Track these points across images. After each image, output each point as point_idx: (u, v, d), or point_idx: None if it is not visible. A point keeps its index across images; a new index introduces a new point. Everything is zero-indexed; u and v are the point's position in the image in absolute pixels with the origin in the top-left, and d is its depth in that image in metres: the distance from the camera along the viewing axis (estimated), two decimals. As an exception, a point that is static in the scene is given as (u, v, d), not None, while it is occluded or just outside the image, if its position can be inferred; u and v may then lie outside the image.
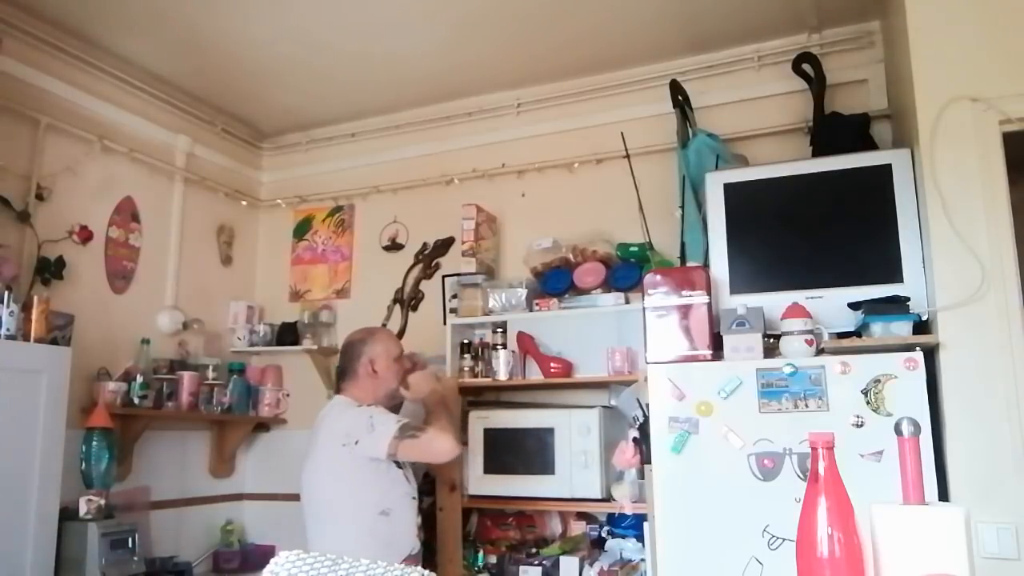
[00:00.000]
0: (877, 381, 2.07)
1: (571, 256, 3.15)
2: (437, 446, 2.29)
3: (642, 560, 2.67)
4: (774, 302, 2.30)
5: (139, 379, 3.06)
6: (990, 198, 2.09)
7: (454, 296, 3.34)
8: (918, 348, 2.08)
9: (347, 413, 2.34)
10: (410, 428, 2.27)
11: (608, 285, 3.04)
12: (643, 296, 2.43)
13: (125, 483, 3.09)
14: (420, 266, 3.69)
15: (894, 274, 2.27)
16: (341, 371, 2.53)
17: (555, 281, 3.12)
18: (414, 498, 2.36)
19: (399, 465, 2.29)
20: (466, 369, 3.09)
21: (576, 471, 2.74)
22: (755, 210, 2.50)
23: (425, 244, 3.69)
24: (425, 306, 3.63)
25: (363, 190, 3.85)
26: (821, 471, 0.90)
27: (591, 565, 2.71)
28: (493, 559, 2.86)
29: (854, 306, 2.23)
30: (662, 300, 2.38)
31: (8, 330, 2.44)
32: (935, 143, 2.15)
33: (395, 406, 2.52)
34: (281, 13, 2.91)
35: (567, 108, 3.49)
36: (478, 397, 3.24)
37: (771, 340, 2.30)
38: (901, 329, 2.12)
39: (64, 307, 2.82)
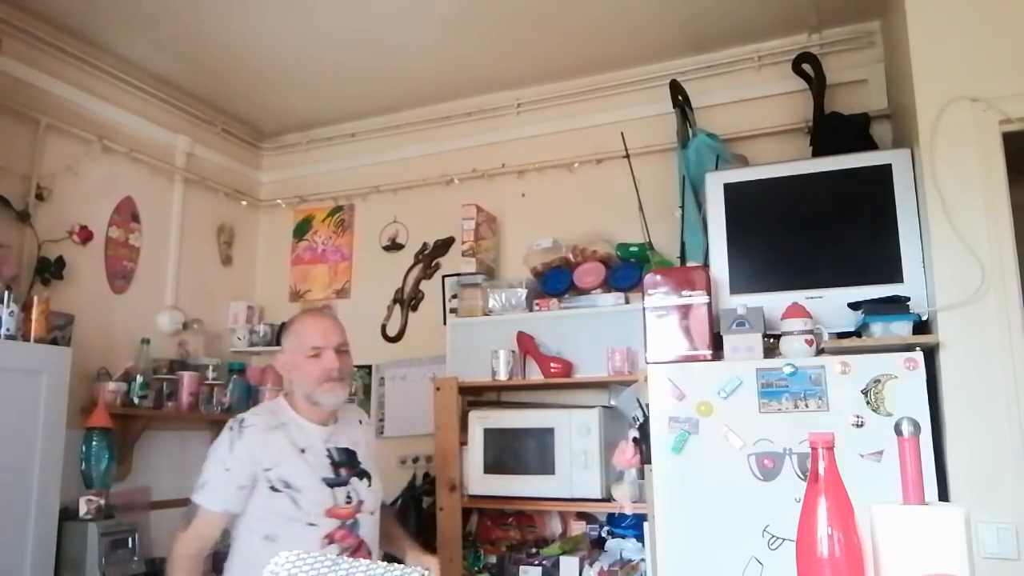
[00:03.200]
0: (877, 381, 2.07)
1: (571, 256, 3.15)
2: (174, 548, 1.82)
3: (642, 560, 2.66)
4: (774, 302, 2.30)
5: (139, 379, 3.06)
6: (990, 198, 2.09)
7: (454, 296, 3.34)
8: (918, 348, 2.08)
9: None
10: (191, 512, 1.82)
11: (608, 285, 3.04)
12: (643, 296, 2.43)
13: (125, 483, 3.09)
14: (420, 266, 3.69)
15: (894, 274, 2.27)
16: None
17: (555, 281, 3.12)
18: (312, 524, 1.78)
19: (275, 488, 1.78)
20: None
21: (576, 471, 2.74)
22: (755, 210, 2.50)
23: (425, 244, 3.69)
24: (425, 306, 3.64)
25: (363, 190, 3.85)
26: (821, 471, 0.90)
27: (591, 565, 2.71)
28: (493, 559, 2.86)
29: (854, 306, 2.23)
30: (662, 300, 2.38)
31: (8, 330, 2.44)
32: (935, 143, 2.15)
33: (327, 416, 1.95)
34: (282, 13, 2.90)
35: (567, 108, 3.50)
36: (478, 397, 3.24)
37: (771, 340, 2.30)
38: (901, 329, 2.12)
39: (64, 307, 2.83)
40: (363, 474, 1.92)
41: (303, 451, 1.84)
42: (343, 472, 1.87)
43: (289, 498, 1.79)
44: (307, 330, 1.96)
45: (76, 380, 2.71)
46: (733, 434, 2.17)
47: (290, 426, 1.88)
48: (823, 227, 2.42)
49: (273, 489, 1.78)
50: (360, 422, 2.07)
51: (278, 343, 3.77)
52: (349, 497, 1.85)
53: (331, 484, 1.83)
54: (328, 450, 1.88)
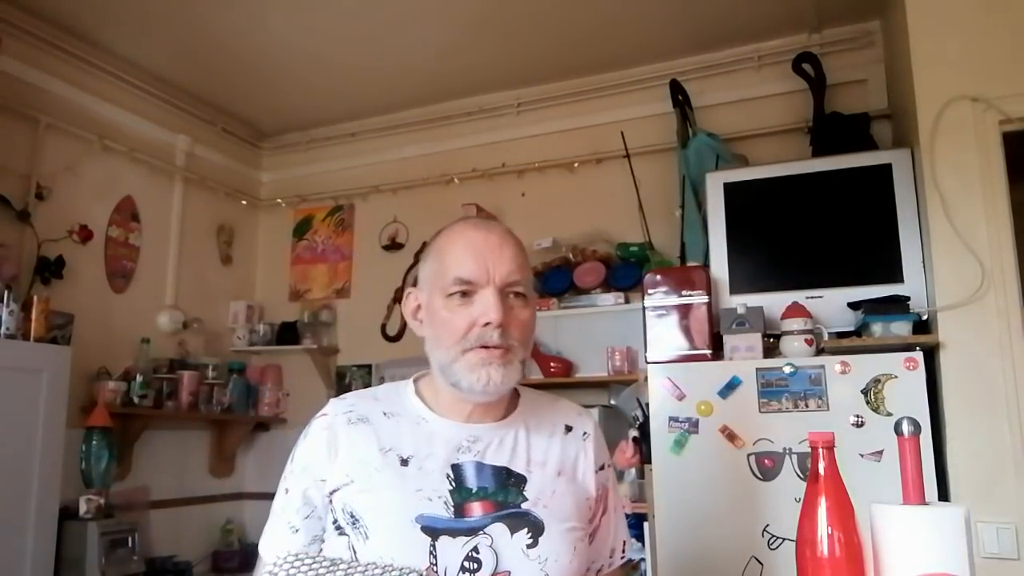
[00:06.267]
0: (877, 381, 2.07)
1: (571, 256, 3.15)
2: None
3: (642, 560, 2.66)
4: (774, 302, 2.30)
5: (139, 379, 3.06)
6: (990, 198, 2.09)
7: (454, 296, 3.34)
8: (918, 348, 2.08)
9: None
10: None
11: (608, 285, 3.04)
12: (643, 296, 2.43)
13: (125, 483, 3.09)
14: (420, 266, 3.69)
15: (894, 274, 2.27)
16: None
17: (555, 281, 3.12)
18: None
19: (339, 525, 1.02)
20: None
21: (576, 471, 2.73)
22: (755, 210, 2.50)
23: (425, 244, 3.68)
24: (425, 306, 3.63)
25: (363, 190, 3.85)
26: (821, 471, 0.89)
27: (591, 565, 2.71)
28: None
29: (854, 306, 2.23)
30: (662, 300, 2.38)
31: (8, 329, 2.45)
32: (935, 143, 2.15)
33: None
34: (282, 13, 2.90)
35: (567, 108, 3.50)
36: (478, 397, 3.24)
37: (771, 340, 2.30)
38: (901, 329, 2.12)
39: (64, 307, 2.82)
40: (523, 521, 1.01)
41: (405, 462, 1.03)
42: (475, 510, 1.00)
43: (349, 548, 0.99)
44: (455, 249, 1.08)
45: (76, 380, 2.71)
46: (733, 434, 2.17)
47: (399, 418, 1.08)
48: (823, 227, 2.42)
49: (337, 528, 1.01)
50: (568, 429, 1.15)
51: (279, 343, 3.79)
52: (474, 559, 0.97)
53: (434, 530, 0.97)
54: (456, 466, 1.03)
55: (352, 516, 1.00)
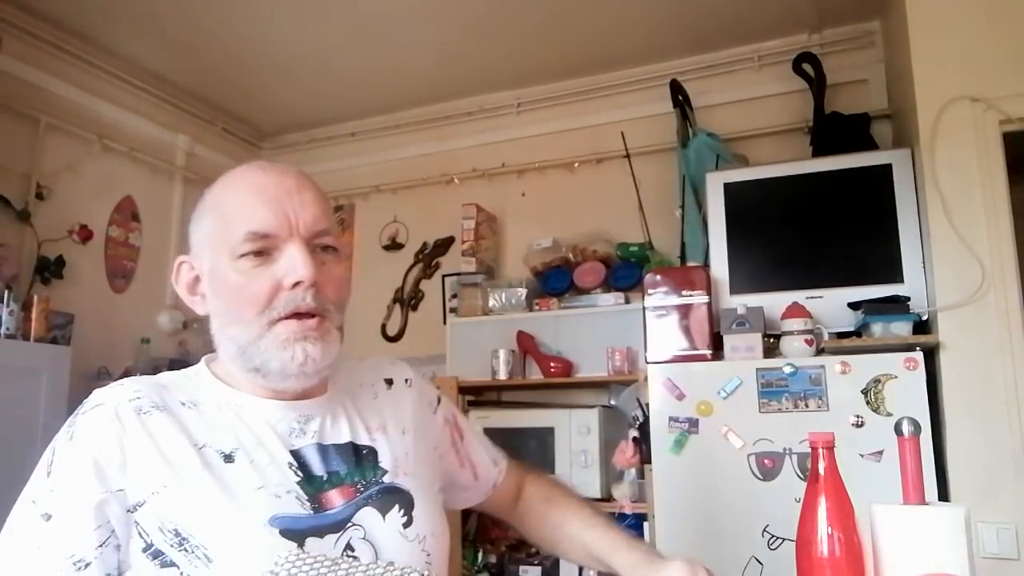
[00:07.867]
0: (877, 381, 2.07)
1: (571, 256, 3.15)
2: None
3: (642, 560, 2.66)
4: (774, 302, 2.30)
5: (139, 379, 3.06)
6: (990, 198, 2.09)
7: (454, 296, 3.35)
8: (918, 348, 2.08)
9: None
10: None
11: (608, 285, 3.04)
12: (643, 296, 2.43)
13: (125, 483, 3.09)
14: (420, 266, 3.69)
15: (894, 274, 2.27)
16: None
17: (555, 281, 3.12)
18: None
19: (158, 552, 0.80)
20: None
21: (576, 471, 2.74)
22: (755, 210, 2.50)
23: (425, 244, 3.69)
24: (425, 306, 3.64)
25: (363, 190, 3.85)
26: (821, 471, 0.90)
27: (591, 565, 2.71)
28: (493, 558, 2.86)
29: (854, 306, 2.23)
30: (662, 300, 2.38)
31: (8, 329, 2.45)
32: (935, 143, 2.15)
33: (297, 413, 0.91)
34: (281, 13, 2.90)
35: (567, 108, 3.49)
36: (478, 397, 3.24)
37: (771, 340, 2.30)
38: (901, 329, 2.13)
39: (64, 306, 2.82)
40: (392, 498, 0.90)
41: (228, 456, 0.84)
42: (335, 500, 0.86)
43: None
44: (240, 198, 0.90)
45: (76, 380, 2.71)
46: (733, 434, 2.18)
47: (202, 407, 0.88)
48: (823, 227, 2.42)
49: (153, 555, 0.80)
50: (390, 383, 1.04)
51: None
52: (351, 557, 0.84)
53: (297, 532, 0.82)
54: (296, 452, 0.88)
55: (178, 535, 0.78)
